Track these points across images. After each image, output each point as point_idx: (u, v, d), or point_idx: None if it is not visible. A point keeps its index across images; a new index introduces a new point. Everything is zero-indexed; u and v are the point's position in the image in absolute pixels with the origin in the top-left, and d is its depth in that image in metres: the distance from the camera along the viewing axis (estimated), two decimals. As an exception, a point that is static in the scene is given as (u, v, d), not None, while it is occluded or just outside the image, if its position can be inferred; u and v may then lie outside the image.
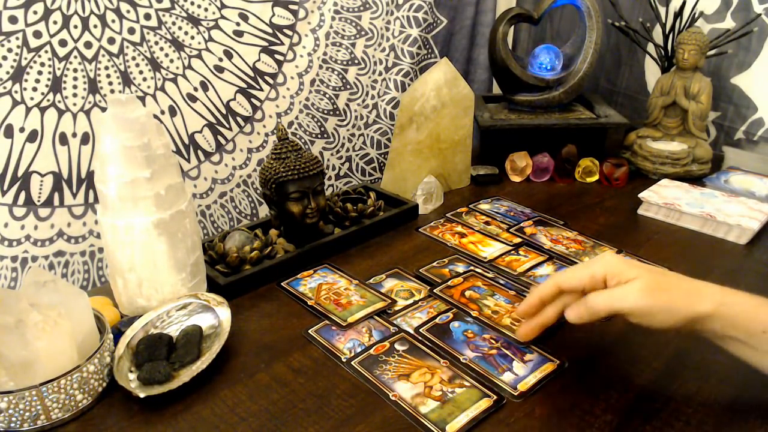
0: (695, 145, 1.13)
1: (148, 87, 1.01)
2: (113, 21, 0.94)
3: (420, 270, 0.83)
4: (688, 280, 0.57)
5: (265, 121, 1.15)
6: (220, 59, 1.06)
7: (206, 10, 1.03)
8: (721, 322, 0.54)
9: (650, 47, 1.26)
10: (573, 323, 0.59)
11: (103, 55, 0.95)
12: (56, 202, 0.96)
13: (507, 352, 0.66)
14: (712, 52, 1.14)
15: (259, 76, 1.12)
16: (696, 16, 1.17)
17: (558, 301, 0.62)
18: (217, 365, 0.64)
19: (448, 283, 0.80)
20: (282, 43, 1.13)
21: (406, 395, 0.60)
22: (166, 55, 1.01)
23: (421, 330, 0.70)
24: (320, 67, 1.19)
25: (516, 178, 1.15)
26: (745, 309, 0.54)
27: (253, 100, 1.13)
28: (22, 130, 0.91)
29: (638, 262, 0.61)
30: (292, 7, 1.11)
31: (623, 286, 0.56)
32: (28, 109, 0.90)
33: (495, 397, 0.60)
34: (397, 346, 0.68)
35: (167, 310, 0.70)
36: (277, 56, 1.13)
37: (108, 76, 0.96)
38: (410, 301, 0.76)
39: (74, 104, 0.94)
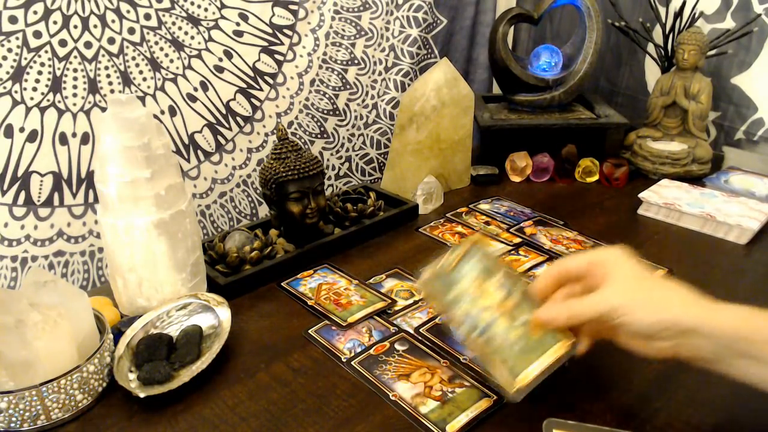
0: (695, 145, 1.13)
1: (148, 87, 1.01)
2: (113, 21, 0.94)
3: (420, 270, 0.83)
4: (676, 290, 0.53)
5: (264, 121, 1.15)
6: (220, 59, 1.06)
7: (206, 10, 1.03)
8: (712, 336, 0.49)
9: (650, 47, 1.26)
10: (543, 320, 0.55)
11: (103, 55, 0.95)
12: (56, 202, 0.96)
13: (507, 352, 0.66)
14: (712, 52, 1.14)
15: (259, 76, 1.12)
16: (696, 16, 1.17)
17: (561, 290, 0.58)
18: (217, 365, 0.64)
19: (448, 283, 0.80)
20: (282, 43, 1.13)
21: (406, 395, 0.60)
22: (166, 55, 1.01)
23: (421, 330, 0.70)
24: (320, 67, 1.19)
25: (516, 178, 1.15)
26: (738, 316, 0.50)
27: (252, 100, 1.13)
28: (22, 130, 0.91)
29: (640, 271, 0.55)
30: (292, 7, 1.11)
31: (602, 289, 0.53)
32: (28, 109, 0.90)
33: (495, 397, 0.60)
34: (397, 346, 0.68)
35: (167, 310, 0.70)
36: (277, 56, 1.13)
37: (108, 76, 0.96)
38: (410, 301, 0.76)
39: (74, 104, 0.94)
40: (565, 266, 0.57)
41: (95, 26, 0.93)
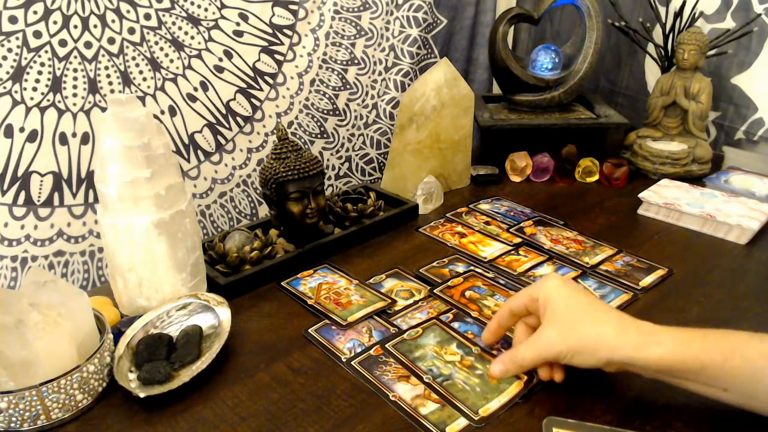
0: (695, 145, 1.13)
1: (148, 87, 1.01)
2: (113, 21, 0.94)
3: (420, 270, 0.83)
4: (606, 324, 0.56)
5: (264, 121, 1.16)
6: (220, 59, 1.06)
7: (206, 10, 1.03)
8: (644, 368, 0.54)
9: (650, 47, 1.26)
10: (497, 377, 0.61)
11: (103, 55, 0.95)
12: (56, 201, 0.96)
13: (507, 352, 0.66)
14: (712, 52, 1.14)
15: (259, 76, 1.12)
16: (696, 16, 1.17)
17: (519, 323, 0.64)
18: (217, 365, 0.64)
19: (448, 283, 0.80)
20: (282, 43, 1.13)
21: (406, 396, 0.60)
22: (166, 55, 1.01)
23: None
24: (320, 67, 1.19)
25: (516, 178, 1.15)
26: (668, 349, 0.53)
27: (252, 100, 1.13)
28: (22, 130, 0.91)
29: (575, 292, 0.59)
30: (292, 7, 1.11)
31: (542, 334, 0.58)
32: (28, 109, 0.90)
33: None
34: (397, 346, 0.67)
35: (167, 310, 0.70)
36: (277, 56, 1.13)
37: (108, 76, 0.96)
38: (410, 301, 0.76)
39: (74, 104, 0.94)
40: (509, 309, 0.63)
41: (95, 26, 0.93)
